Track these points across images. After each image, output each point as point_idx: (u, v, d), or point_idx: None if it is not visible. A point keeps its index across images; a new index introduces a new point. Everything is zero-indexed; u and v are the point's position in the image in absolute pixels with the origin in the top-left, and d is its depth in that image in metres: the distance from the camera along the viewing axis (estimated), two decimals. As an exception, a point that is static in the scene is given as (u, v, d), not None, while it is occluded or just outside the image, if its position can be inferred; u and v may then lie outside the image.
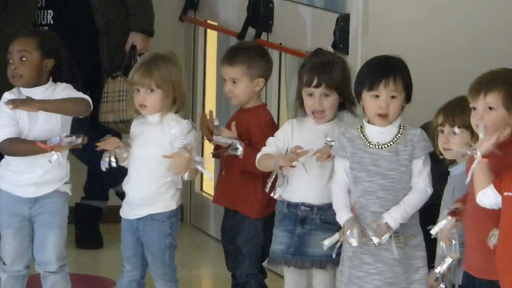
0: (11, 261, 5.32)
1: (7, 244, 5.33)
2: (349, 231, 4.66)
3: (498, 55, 5.63)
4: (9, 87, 5.52)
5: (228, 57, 5.33)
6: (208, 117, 5.43)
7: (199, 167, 5.19)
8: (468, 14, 5.74)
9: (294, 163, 4.99)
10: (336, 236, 4.76)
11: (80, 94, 5.44)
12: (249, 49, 5.54)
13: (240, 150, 5.14)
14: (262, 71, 5.36)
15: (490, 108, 4.30)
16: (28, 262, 5.32)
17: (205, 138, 5.58)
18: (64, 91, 5.38)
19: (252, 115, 5.36)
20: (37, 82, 5.30)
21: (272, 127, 5.36)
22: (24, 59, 5.28)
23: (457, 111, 4.63)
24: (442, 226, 4.52)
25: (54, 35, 5.80)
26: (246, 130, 5.29)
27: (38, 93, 5.31)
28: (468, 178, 4.13)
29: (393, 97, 4.69)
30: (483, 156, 4.10)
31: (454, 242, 4.52)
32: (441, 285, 4.60)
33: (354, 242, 4.65)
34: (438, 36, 5.69)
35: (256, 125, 5.29)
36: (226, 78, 5.30)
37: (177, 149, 5.16)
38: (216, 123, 5.40)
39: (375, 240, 4.63)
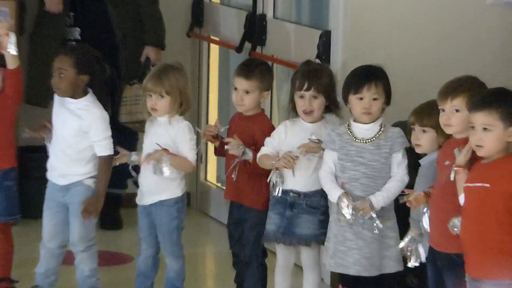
0: (48, 239, 5.28)
1: (45, 224, 5.29)
2: (343, 203, 4.69)
3: (463, 65, 5.43)
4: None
5: (245, 71, 5.25)
6: (216, 125, 5.33)
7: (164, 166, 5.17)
8: (434, 31, 5.73)
9: (288, 166, 5.01)
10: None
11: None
12: (262, 65, 5.50)
13: (250, 156, 5.09)
14: (269, 85, 5.35)
15: (457, 110, 4.38)
16: (63, 242, 5.27)
17: (207, 139, 5.45)
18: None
19: (255, 122, 5.30)
20: (73, 94, 5.23)
21: (273, 131, 5.29)
22: (62, 75, 5.20)
23: (425, 113, 4.68)
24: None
25: (90, 52, 5.62)
26: (250, 135, 5.23)
27: (77, 105, 5.24)
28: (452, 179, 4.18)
29: (375, 99, 4.75)
30: (459, 166, 4.17)
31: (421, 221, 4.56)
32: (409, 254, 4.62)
33: (348, 213, 4.69)
34: (406, 51, 5.65)
35: (260, 130, 5.24)
36: (240, 88, 5.22)
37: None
38: (221, 129, 5.34)
39: (363, 215, 4.69)
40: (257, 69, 5.32)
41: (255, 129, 5.35)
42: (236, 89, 5.31)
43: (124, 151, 5.32)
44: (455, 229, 4.28)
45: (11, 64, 5.32)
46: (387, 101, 4.84)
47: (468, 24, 5.80)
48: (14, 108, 5.58)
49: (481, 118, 4.08)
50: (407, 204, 4.57)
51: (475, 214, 4.17)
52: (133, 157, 5.27)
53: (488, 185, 4.07)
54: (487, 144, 4.06)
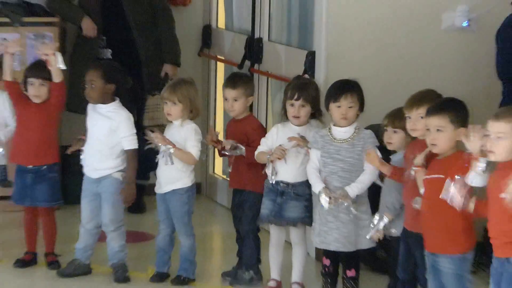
0: (86, 221, 5.30)
1: (83, 210, 5.31)
2: (322, 195, 4.71)
3: (425, 80, 5.41)
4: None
5: (231, 82, 5.31)
6: (213, 131, 5.43)
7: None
8: (401, 51, 5.69)
9: (280, 157, 5.05)
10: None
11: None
12: (244, 76, 5.60)
13: (243, 151, 5.15)
14: (252, 91, 5.40)
15: (422, 117, 4.43)
16: (98, 224, 5.28)
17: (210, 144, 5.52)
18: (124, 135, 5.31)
19: (246, 123, 5.34)
20: (103, 100, 5.25)
21: (262, 129, 5.45)
22: (93, 86, 5.25)
23: (396, 117, 4.71)
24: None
25: (113, 65, 5.71)
26: (244, 134, 5.27)
27: (106, 109, 5.27)
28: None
29: (350, 107, 4.80)
30: (417, 166, 4.30)
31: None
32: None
33: (325, 203, 4.70)
34: (378, 68, 5.58)
35: (251, 129, 5.28)
36: (229, 97, 5.28)
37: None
38: (218, 134, 5.45)
39: (340, 203, 4.70)
40: (240, 80, 5.40)
41: (247, 128, 5.38)
42: (226, 99, 5.35)
43: (151, 135, 5.22)
44: (416, 205, 4.40)
45: (57, 78, 5.31)
46: (361, 108, 4.87)
47: (428, 45, 5.74)
48: (57, 114, 5.56)
49: (435, 121, 4.20)
50: None
51: (432, 201, 4.22)
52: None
53: (442, 176, 4.10)
54: (440, 143, 4.19)
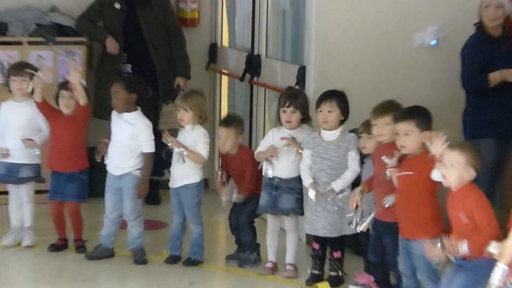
0: (109, 212, 5.34)
1: (107, 202, 5.34)
2: (310, 189, 4.79)
3: (401, 91, 5.37)
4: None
5: (226, 122, 5.36)
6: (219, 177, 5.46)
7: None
8: (380, 66, 5.69)
9: (272, 154, 5.06)
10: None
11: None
12: (236, 118, 5.58)
13: (241, 198, 5.26)
14: (242, 129, 5.43)
15: (387, 124, 4.51)
16: (120, 214, 5.32)
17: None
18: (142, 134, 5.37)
19: (239, 157, 5.39)
20: (127, 109, 5.29)
21: (253, 160, 5.37)
22: (117, 96, 5.29)
23: (371, 125, 4.68)
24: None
25: (134, 78, 5.79)
26: (240, 166, 5.37)
27: (129, 117, 5.30)
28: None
29: (330, 111, 4.83)
30: (391, 167, 4.33)
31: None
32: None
33: (312, 196, 4.77)
34: (360, 81, 5.55)
35: (245, 161, 5.34)
36: (222, 136, 5.33)
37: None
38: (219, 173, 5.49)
39: (327, 197, 4.77)
40: (233, 120, 5.42)
41: (242, 161, 5.40)
42: (219, 137, 5.41)
43: (166, 135, 5.29)
44: (386, 204, 4.47)
45: (82, 101, 5.34)
46: (344, 114, 4.89)
47: (405, 60, 5.73)
48: (84, 127, 5.60)
49: (403, 126, 4.28)
50: None
51: (404, 193, 4.35)
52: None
53: (412, 173, 4.26)
54: (408, 145, 4.27)
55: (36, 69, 5.59)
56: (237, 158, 5.39)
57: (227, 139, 5.33)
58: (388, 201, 4.53)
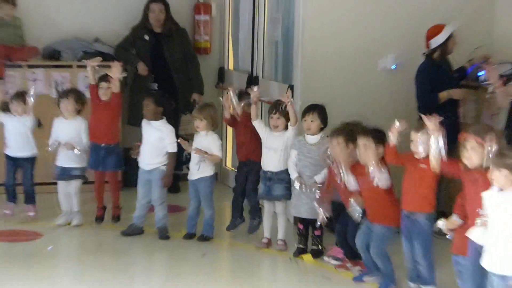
0: (141, 198, 5.38)
1: (139, 190, 5.37)
2: (296, 181, 4.85)
3: (371, 108, 5.54)
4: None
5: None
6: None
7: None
8: (352, 87, 5.73)
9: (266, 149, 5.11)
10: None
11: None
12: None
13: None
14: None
15: (338, 144, 4.50)
16: (149, 200, 5.37)
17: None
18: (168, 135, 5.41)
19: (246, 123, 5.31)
20: (155, 118, 5.33)
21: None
22: (148, 108, 5.33)
23: (343, 131, 4.64)
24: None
25: (161, 94, 5.81)
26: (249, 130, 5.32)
27: (157, 124, 5.35)
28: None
29: (312, 121, 4.89)
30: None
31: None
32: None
33: (297, 186, 4.84)
34: (337, 98, 5.48)
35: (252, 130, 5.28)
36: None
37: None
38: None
39: (309, 188, 4.81)
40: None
41: (246, 128, 5.35)
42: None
43: (185, 144, 5.40)
44: (354, 209, 4.44)
45: (115, 89, 5.45)
46: (323, 123, 4.91)
47: (372, 81, 5.71)
48: (118, 111, 5.66)
49: (364, 141, 4.30)
50: None
51: (367, 190, 4.38)
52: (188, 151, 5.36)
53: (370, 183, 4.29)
54: (367, 158, 4.27)
55: (81, 93, 5.69)
56: (242, 124, 5.39)
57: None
58: (354, 202, 4.49)
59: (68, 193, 5.63)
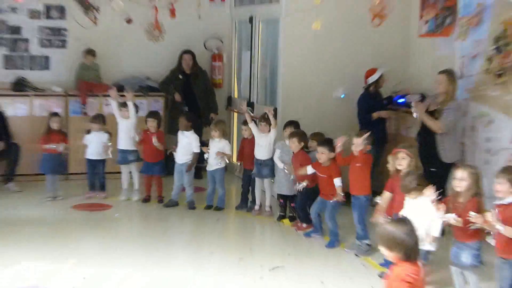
0: (176, 182, 5.32)
1: (175, 177, 5.32)
2: (284, 168, 4.79)
3: (333, 122, 5.46)
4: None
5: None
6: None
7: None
8: (322, 112, 5.62)
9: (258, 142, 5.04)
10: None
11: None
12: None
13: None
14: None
15: (301, 149, 4.51)
16: (181, 183, 5.32)
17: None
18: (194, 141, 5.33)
19: (250, 142, 5.23)
20: (186, 130, 5.30)
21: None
22: (182, 123, 5.27)
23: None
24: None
25: (190, 114, 5.70)
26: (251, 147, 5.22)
27: (187, 134, 5.29)
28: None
29: (290, 132, 4.82)
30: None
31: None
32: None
33: (286, 171, 4.79)
34: (311, 115, 5.44)
35: (252, 146, 5.23)
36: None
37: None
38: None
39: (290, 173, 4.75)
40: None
41: (250, 146, 5.25)
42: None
43: (205, 149, 5.30)
44: (300, 187, 4.42)
45: (153, 130, 5.30)
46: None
47: (332, 104, 5.65)
48: (163, 140, 5.39)
49: (320, 149, 4.33)
50: None
51: (321, 181, 4.37)
52: (207, 154, 5.29)
53: (325, 176, 4.33)
54: (322, 159, 4.33)
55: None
56: (247, 142, 5.27)
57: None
58: (301, 185, 4.54)
59: (128, 173, 5.54)
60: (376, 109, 5.35)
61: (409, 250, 2.09)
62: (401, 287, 2.05)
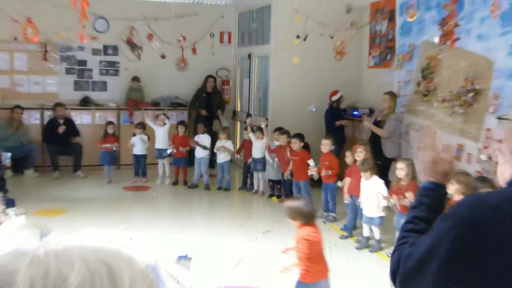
0: (196, 170, 5.24)
1: (196, 166, 5.19)
2: (274, 163, 4.70)
3: (312, 128, 5.25)
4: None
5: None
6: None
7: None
8: (305, 117, 5.40)
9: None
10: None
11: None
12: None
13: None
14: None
15: (284, 138, 4.36)
16: (200, 171, 5.21)
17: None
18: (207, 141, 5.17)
19: (249, 143, 5.05)
20: (203, 133, 5.25)
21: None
22: (200, 128, 5.22)
23: (295, 136, 4.46)
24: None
25: (205, 123, 5.49)
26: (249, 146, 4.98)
27: (203, 135, 5.22)
28: None
29: (279, 135, 4.69)
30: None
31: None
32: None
33: (275, 164, 4.72)
34: (296, 124, 5.05)
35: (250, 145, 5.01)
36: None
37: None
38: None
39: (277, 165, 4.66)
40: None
41: (249, 145, 5.06)
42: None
43: (219, 147, 5.11)
44: (285, 175, 4.34)
45: (181, 132, 5.20)
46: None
47: (306, 117, 5.45)
48: (188, 142, 5.28)
49: (293, 140, 4.31)
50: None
51: (296, 166, 4.26)
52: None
53: (297, 158, 4.24)
54: (295, 147, 4.27)
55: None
56: (247, 143, 5.13)
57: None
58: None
59: (163, 164, 5.46)
60: (337, 119, 5.29)
61: (307, 217, 2.14)
62: (303, 245, 2.09)
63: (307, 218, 2.15)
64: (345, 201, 3.73)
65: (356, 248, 3.50)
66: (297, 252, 2.15)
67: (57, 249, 0.33)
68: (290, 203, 2.20)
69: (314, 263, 2.13)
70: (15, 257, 0.32)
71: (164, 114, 5.42)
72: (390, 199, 3.19)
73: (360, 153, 3.68)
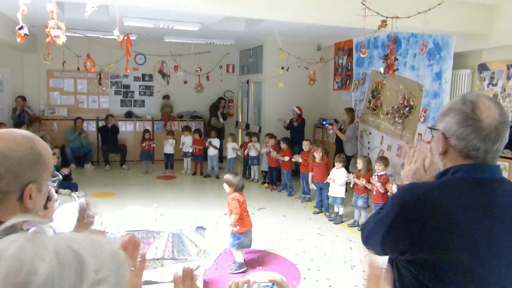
0: (209, 164, 4.97)
1: (208, 162, 4.90)
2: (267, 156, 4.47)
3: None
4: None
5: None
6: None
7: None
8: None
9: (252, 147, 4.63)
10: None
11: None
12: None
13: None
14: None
15: (271, 141, 4.15)
16: (212, 165, 4.93)
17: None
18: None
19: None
20: (214, 137, 5.00)
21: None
22: (212, 133, 5.05)
23: (273, 136, 4.35)
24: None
25: (218, 129, 5.38)
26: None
27: (215, 139, 4.91)
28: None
29: (269, 139, 4.45)
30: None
31: None
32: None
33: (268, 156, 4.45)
34: (282, 131, 4.90)
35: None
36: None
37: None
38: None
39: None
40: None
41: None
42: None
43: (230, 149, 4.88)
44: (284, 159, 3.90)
45: (197, 137, 4.89)
46: (275, 139, 4.42)
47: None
48: (203, 144, 5.00)
49: (283, 146, 4.15)
50: None
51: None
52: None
53: (286, 158, 4.05)
54: (270, 144, 4.14)
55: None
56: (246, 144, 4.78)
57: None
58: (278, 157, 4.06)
59: (186, 160, 5.30)
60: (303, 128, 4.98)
61: (237, 186, 2.43)
62: (233, 202, 2.39)
63: (237, 187, 2.42)
64: (311, 188, 3.68)
65: (329, 220, 3.48)
66: (229, 209, 2.40)
67: (34, 241, 0.29)
68: (227, 175, 2.44)
69: (241, 218, 2.41)
70: None
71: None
72: (352, 178, 3.24)
73: (319, 153, 3.59)
